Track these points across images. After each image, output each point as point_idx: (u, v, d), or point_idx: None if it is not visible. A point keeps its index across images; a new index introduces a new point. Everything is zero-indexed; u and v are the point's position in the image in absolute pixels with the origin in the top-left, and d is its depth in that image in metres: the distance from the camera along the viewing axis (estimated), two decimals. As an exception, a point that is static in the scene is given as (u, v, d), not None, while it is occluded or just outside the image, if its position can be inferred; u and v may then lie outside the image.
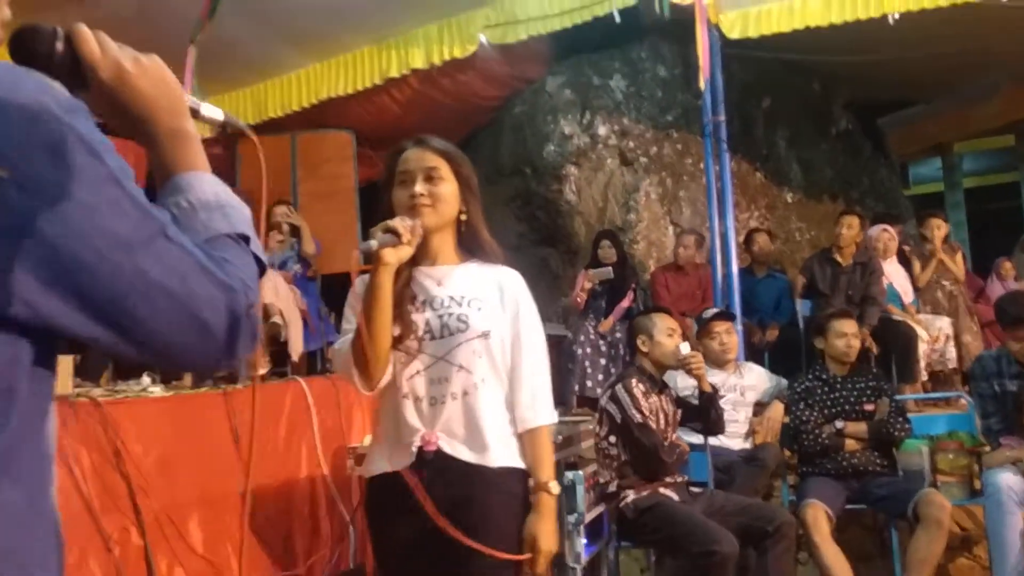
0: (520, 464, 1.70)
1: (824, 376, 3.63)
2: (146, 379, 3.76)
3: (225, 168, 6.63)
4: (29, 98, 0.67)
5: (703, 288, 5.34)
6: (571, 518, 3.55)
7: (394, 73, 5.60)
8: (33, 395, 0.71)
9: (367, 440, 3.73)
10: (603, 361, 5.06)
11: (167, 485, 2.94)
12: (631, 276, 5.34)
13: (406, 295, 1.67)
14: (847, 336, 3.61)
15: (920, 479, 3.35)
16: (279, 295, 4.98)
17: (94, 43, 0.78)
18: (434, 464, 1.62)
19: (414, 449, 1.63)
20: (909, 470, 3.40)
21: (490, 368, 1.68)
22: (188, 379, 4.14)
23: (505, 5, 5.31)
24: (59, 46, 0.76)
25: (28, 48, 0.75)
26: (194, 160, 0.83)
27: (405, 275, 1.66)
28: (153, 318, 0.71)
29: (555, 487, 1.67)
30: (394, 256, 1.56)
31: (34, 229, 0.65)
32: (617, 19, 5.07)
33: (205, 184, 0.82)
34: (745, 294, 5.17)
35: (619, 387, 3.04)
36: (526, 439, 1.71)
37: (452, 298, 1.69)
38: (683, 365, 3.11)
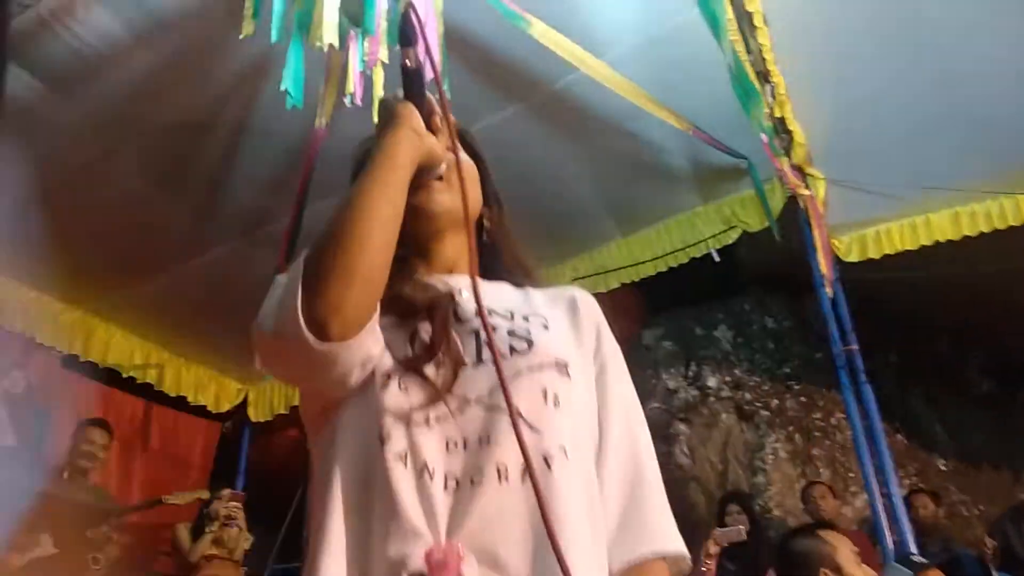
0: None
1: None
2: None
3: (299, 449, 6.20)
4: None
5: (863, 559, 4.25)
6: None
7: (480, 332, 5.26)
8: None
9: None
10: (746, 661, 3.91)
11: None
12: (768, 551, 4.33)
13: (419, 295, 0.96)
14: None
15: None
16: None
17: None
18: None
19: None
20: None
21: (571, 432, 0.89)
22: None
23: (594, 255, 5.07)
24: None
25: None
26: None
27: (414, 280, 0.99)
28: None
29: None
30: (421, 130, 0.93)
31: None
32: (716, 258, 4.72)
33: None
34: (919, 573, 4.06)
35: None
36: None
37: (495, 311, 0.97)
38: None
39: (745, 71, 2.95)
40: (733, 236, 4.60)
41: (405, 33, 0.95)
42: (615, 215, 4.84)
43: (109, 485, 4.74)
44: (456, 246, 1.03)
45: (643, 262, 4.93)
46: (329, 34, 2.08)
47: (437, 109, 0.97)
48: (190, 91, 3.46)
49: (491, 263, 1.08)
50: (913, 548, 3.88)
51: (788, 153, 3.97)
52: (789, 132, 3.94)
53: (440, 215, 0.99)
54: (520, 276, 1.09)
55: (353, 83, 2.19)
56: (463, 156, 1.04)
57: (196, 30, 3.19)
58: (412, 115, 0.94)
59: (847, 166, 4.14)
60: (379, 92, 2.22)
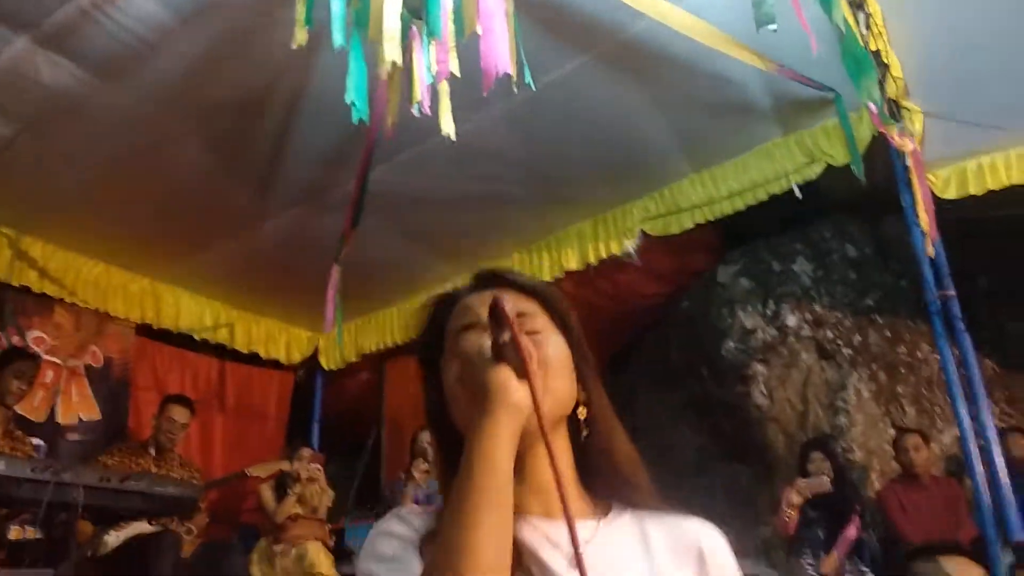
0: None
1: None
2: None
3: (372, 391, 6.26)
4: None
5: (952, 508, 4.14)
6: None
7: (546, 277, 5.12)
8: None
9: None
10: (832, 612, 3.89)
11: None
12: (853, 496, 4.25)
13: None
14: None
15: None
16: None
17: None
18: None
19: None
20: None
21: None
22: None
23: (665, 194, 4.82)
24: None
25: None
26: None
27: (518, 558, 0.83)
28: None
29: None
30: (520, 399, 0.79)
31: None
32: (798, 195, 4.43)
33: None
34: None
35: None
36: None
37: None
38: None
39: (856, 40, 2.63)
40: (816, 170, 4.28)
41: (496, 317, 0.84)
42: (688, 151, 4.54)
43: (190, 450, 4.85)
44: (541, 476, 0.88)
45: (718, 200, 4.66)
46: (391, 50, 1.87)
47: (529, 349, 0.83)
48: (241, 67, 3.28)
49: (596, 468, 0.92)
50: (1006, 484, 3.70)
51: (883, 87, 3.62)
52: (885, 65, 3.58)
53: (531, 432, 0.83)
54: (633, 487, 0.91)
55: (420, 91, 1.98)
56: (554, 349, 0.90)
57: (242, 6, 2.97)
58: (509, 386, 0.80)
59: (946, 96, 3.77)
60: (446, 101, 2.01)
